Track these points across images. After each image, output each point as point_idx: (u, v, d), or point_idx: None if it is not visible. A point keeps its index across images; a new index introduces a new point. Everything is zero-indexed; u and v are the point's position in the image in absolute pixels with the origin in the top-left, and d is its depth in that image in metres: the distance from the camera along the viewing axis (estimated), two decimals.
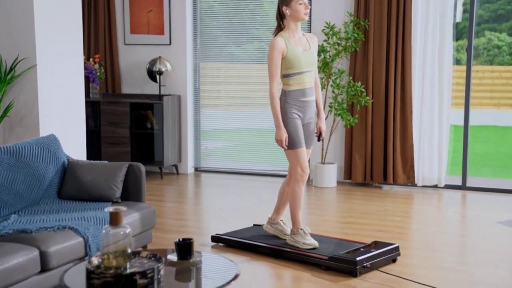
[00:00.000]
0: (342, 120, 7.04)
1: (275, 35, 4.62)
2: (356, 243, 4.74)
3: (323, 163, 7.27)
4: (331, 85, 7.07)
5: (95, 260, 2.87)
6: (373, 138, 7.18)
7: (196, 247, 5.00)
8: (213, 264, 2.98)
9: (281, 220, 4.89)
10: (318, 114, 4.89)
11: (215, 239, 5.06)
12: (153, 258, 2.95)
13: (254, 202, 6.52)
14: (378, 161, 7.16)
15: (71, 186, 4.35)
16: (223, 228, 5.46)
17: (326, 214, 6.08)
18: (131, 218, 4.18)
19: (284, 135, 4.53)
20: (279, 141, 4.55)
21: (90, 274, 2.71)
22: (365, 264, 4.29)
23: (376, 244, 4.60)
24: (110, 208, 2.79)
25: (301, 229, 4.69)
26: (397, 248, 4.59)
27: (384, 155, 7.17)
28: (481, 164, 10.10)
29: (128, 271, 2.77)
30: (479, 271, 4.44)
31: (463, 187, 7.14)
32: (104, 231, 2.77)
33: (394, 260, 4.61)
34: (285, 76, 4.62)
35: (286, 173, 7.84)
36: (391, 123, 7.05)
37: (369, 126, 7.15)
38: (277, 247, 4.70)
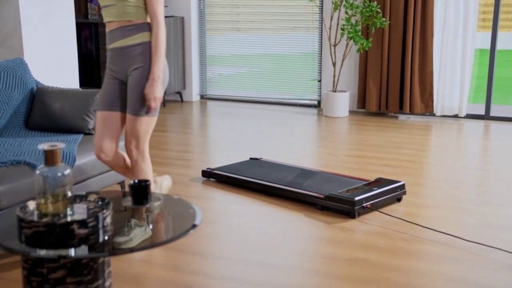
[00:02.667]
0: (355, 44, 6.46)
1: None
2: (358, 180, 4.29)
3: (335, 91, 6.75)
4: (344, 5, 6.46)
5: (31, 206, 2.47)
6: (389, 64, 6.61)
7: (185, 182, 4.65)
8: (170, 212, 2.56)
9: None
10: None
11: (206, 174, 4.64)
12: (100, 203, 2.53)
13: (259, 133, 6.07)
14: (394, 89, 6.62)
15: (39, 115, 3.92)
16: (222, 161, 5.05)
17: (333, 146, 5.61)
18: None
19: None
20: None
21: (20, 222, 2.32)
22: (364, 205, 3.85)
23: (380, 182, 4.14)
24: (44, 145, 2.36)
25: None
26: (402, 186, 4.12)
27: (401, 83, 6.63)
28: (510, 90, 9.48)
29: (69, 219, 2.36)
30: (496, 212, 3.96)
31: (486, 116, 6.59)
32: (38, 172, 2.35)
33: (399, 199, 4.15)
34: None
35: (296, 101, 7.34)
36: (409, 47, 6.46)
37: (385, 51, 6.58)
38: (269, 184, 4.26)
